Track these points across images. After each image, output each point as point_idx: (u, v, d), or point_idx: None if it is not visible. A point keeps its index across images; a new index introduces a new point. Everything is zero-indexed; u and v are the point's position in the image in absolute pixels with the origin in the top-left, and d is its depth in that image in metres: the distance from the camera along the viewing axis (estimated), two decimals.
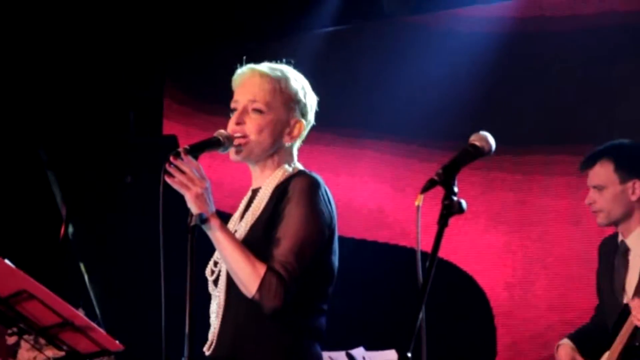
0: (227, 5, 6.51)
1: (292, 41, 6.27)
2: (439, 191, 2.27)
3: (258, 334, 2.72)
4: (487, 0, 5.82)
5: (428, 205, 2.27)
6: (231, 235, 2.70)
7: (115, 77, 6.79)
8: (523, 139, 5.60)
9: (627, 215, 3.95)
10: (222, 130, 2.86)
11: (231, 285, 2.77)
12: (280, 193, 2.78)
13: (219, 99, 6.48)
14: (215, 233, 2.66)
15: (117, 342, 3.78)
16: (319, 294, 2.78)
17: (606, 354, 3.86)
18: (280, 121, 2.85)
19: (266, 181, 2.85)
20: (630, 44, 5.36)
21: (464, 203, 2.23)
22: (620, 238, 4.01)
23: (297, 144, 2.92)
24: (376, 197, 6.01)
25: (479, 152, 2.33)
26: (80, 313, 3.82)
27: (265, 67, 2.91)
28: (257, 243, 2.74)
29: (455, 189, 2.23)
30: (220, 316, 2.79)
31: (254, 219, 2.80)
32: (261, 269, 2.64)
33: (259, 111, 2.84)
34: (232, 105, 2.90)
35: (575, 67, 5.52)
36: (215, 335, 2.80)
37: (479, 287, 5.76)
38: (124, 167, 6.22)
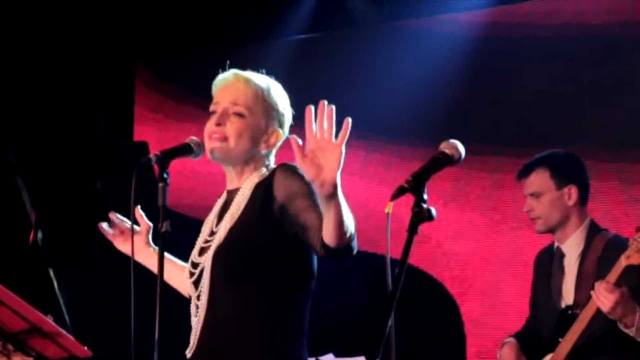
0: (200, 10, 6.52)
1: (266, 47, 6.28)
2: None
3: (245, 332, 2.72)
4: (457, 9, 5.87)
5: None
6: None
7: (85, 81, 6.76)
8: (498, 142, 5.65)
9: (564, 221, 4.04)
10: (193, 137, 2.88)
11: (215, 285, 2.76)
12: (263, 192, 2.79)
13: (190, 87, 6.58)
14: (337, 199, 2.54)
15: (85, 348, 3.77)
16: (302, 290, 2.79)
17: (548, 358, 3.90)
18: (259, 128, 2.86)
19: (245, 182, 2.86)
20: (605, 55, 5.43)
21: (433, 210, 2.25)
22: (556, 245, 4.10)
23: (274, 152, 2.94)
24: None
25: (448, 160, 2.35)
26: (49, 319, 3.81)
27: (249, 74, 2.93)
28: (237, 244, 2.76)
29: (425, 197, 2.25)
30: (202, 317, 2.78)
31: (234, 220, 2.81)
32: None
33: (239, 115, 2.85)
34: (212, 107, 2.90)
35: (551, 73, 5.57)
36: (197, 336, 2.79)
37: (449, 294, 5.79)
38: (94, 172, 6.19)
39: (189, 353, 2.83)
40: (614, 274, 3.64)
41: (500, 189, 5.67)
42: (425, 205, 2.24)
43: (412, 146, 5.85)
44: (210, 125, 2.86)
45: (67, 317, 5.97)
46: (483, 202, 5.73)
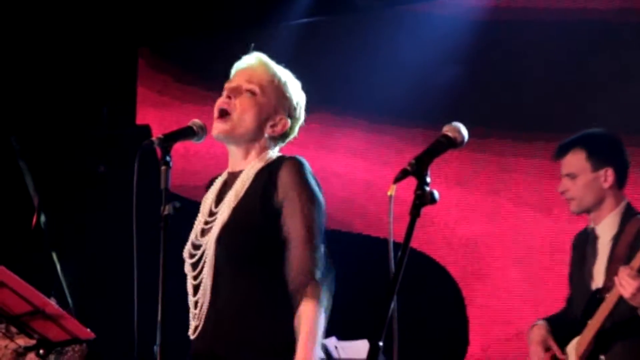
0: None
1: (269, 31, 6.27)
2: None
3: (250, 315, 2.72)
4: None
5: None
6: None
7: (88, 66, 6.75)
8: (501, 125, 5.66)
9: (598, 203, 3.98)
10: (196, 120, 2.86)
11: (218, 267, 2.76)
12: (266, 178, 2.78)
13: (192, 71, 6.58)
14: None
15: (88, 330, 3.78)
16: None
17: (575, 340, 3.90)
18: (267, 109, 2.85)
19: (249, 164, 2.84)
20: (606, 40, 5.42)
21: (436, 193, 2.24)
22: (591, 226, 4.05)
23: (280, 144, 2.92)
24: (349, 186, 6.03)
25: (451, 143, 2.35)
26: (52, 302, 3.82)
27: (271, 61, 2.93)
28: (241, 227, 2.75)
29: (428, 179, 2.25)
30: (207, 300, 2.78)
31: (237, 200, 2.79)
32: (314, 306, 2.67)
33: (251, 92, 2.84)
34: (226, 85, 2.89)
35: (554, 57, 5.56)
36: (202, 319, 2.79)
37: (451, 277, 5.80)
38: (97, 156, 6.20)
39: (192, 335, 2.82)
40: (637, 260, 3.62)
41: (504, 172, 5.67)
42: (428, 188, 2.24)
43: (415, 129, 5.85)
44: (220, 99, 2.86)
45: (69, 300, 5.98)
46: (487, 185, 5.73)
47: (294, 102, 2.90)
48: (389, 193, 2.24)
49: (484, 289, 5.71)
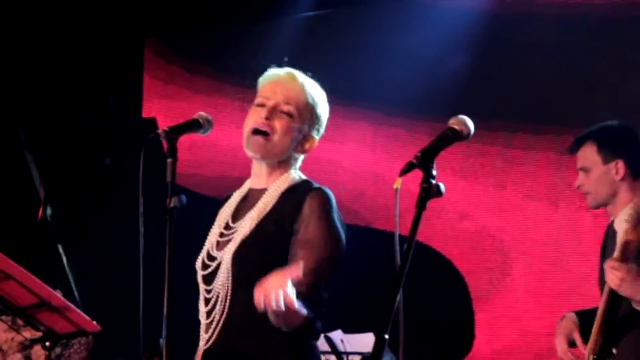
0: None
1: (275, 24, 6.27)
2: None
3: (263, 332, 2.70)
4: None
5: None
6: None
7: (94, 58, 6.75)
8: (508, 117, 5.65)
9: (612, 196, 3.95)
10: (202, 113, 2.86)
11: (234, 281, 2.74)
12: (291, 203, 2.76)
13: (198, 64, 6.58)
14: None
15: (94, 322, 3.78)
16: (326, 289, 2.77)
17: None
18: (302, 132, 2.85)
19: (274, 184, 2.82)
20: (608, 34, 5.41)
21: (442, 186, 2.24)
22: (610, 219, 4.04)
23: (303, 156, 2.91)
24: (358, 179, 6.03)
25: (457, 136, 2.34)
26: (58, 294, 3.82)
27: (303, 77, 2.91)
28: (261, 243, 2.73)
29: (434, 172, 2.24)
30: (220, 313, 2.76)
31: (259, 218, 2.77)
32: (304, 313, 2.60)
33: (289, 114, 2.82)
34: (260, 100, 2.85)
35: (561, 50, 5.56)
36: (215, 331, 2.77)
37: (457, 270, 5.79)
38: (102, 149, 6.20)
39: (204, 345, 2.82)
40: (618, 252, 3.61)
41: (511, 165, 5.66)
42: (434, 181, 2.23)
43: (423, 121, 5.84)
44: (258, 117, 2.82)
45: (75, 292, 5.99)
46: (493, 178, 5.73)
47: (323, 121, 2.91)
48: (395, 186, 2.23)
49: (489, 282, 5.70)
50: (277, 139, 2.81)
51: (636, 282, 3.60)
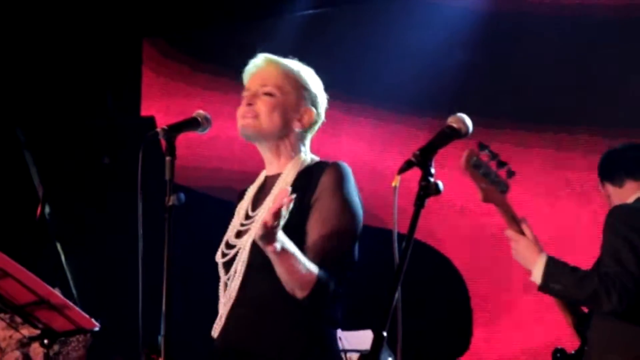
0: None
1: (275, 22, 6.28)
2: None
3: (278, 318, 2.71)
4: None
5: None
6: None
7: (93, 57, 6.75)
8: (504, 116, 5.66)
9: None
10: (200, 111, 2.86)
11: (251, 269, 2.75)
12: (306, 182, 2.77)
13: (197, 63, 6.57)
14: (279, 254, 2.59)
15: (92, 320, 3.78)
16: (341, 282, 2.76)
17: None
18: (290, 105, 2.85)
19: (286, 169, 2.84)
20: (608, 33, 5.43)
21: (440, 184, 2.24)
22: None
23: (309, 134, 2.92)
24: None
25: (456, 134, 2.35)
26: (57, 292, 3.82)
27: (278, 58, 2.93)
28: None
29: (432, 170, 2.25)
30: (232, 300, 2.78)
31: None
32: (314, 271, 2.62)
33: (269, 94, 2.85)
34: (243, 94, 2.90)
35: (561, 49, 5.58)
36: (225, 318, 2.79)
37: (455, 268, 5.80)
38: (101, 147, 6.20)
39: (215, 333, 2.82)
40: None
41: (510, 163, 5.66)
42: (432, 179, 2.24)
43: (422, 118, 5.85)
44: (241, 107, 2.86)
45: (74, 290, 5.99)
46: None
47: (313, 90, 2.90)
48: (393, 184, 2.24)
49: (487, 280, 5.71)
50: (263, 118, 2.83)
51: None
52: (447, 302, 5.81)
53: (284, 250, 2.55)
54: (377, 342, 2.14)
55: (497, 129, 5.67)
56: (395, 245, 2.22)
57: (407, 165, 2.26)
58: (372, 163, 5.97)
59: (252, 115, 2.83)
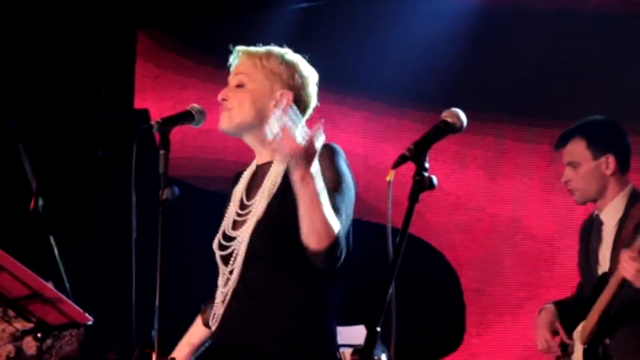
0: None
1: (270, 15, 6.27)
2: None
3: (277, 308, 2.72)
4: None
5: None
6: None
7: (87, 49, 6.73)
8: (500, 109, 5.66)
9: (602, 191, 3.97)
10: (195, 105, 2.87)
11: (250, 259, 2.75)
12: None
13: (192, 55, 6.56)
14: (310, 185, 2.56)
15: (86, 314, 3.78)
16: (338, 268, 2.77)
17: (581, 325, 3.90)
18: (261, 92, 2.85)
19: (277, 157, 2.83)
20: (602, 28, 5.43)
21: (434, 179, 2.24)
22: (595, 213, 4.05)
23: (301, 118, 2.90)
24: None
25: (450, 129, 2.35)
26: (50, 286, 3.82)
27: (251, 47, 2.93)
28: (277, 220, 2.74)
29: (427, 165, 2.25)
30: (230, 291, 2.78)
31: (270, 195, 2.79)
32: (335, 227, 2.60)
33: (239, 85, 2.87)
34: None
35: (553, 43, 5.58)
36: (223, 309, 2.79)
37: (448, 263, 5.80)
38: (95, 140, 6.18)
39: (213, 325, 2.82)
40: (637, 241, 3.61)
41: (503, 157, 5.67)
42: (426, 174, 2.24)
43: (415, 111, 5.85)
44: (220, 105, 2.88)
45: (67, 284, 5.98)
46: (485, 171, 5.73)
47: (288, 72, 2.88)
48: (387, 178, 2.24)
49: (480, 275, 5.71)
50: (235, 111, 2.84)
51: None
52: (440, 296, 5.81)
53: (314, 186, 2.52)
54: (371, 337, 2.14)
55: (491, 122, 5.67)
56: (390, 240, 2.21)
57: (401, 160, 2.26)
58: (365, 158, 5.97)
59: (226, 109, 2.84)
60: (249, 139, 2.90)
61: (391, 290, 2.17)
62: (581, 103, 5.37)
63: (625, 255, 3.60)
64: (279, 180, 2.80)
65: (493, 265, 5.65)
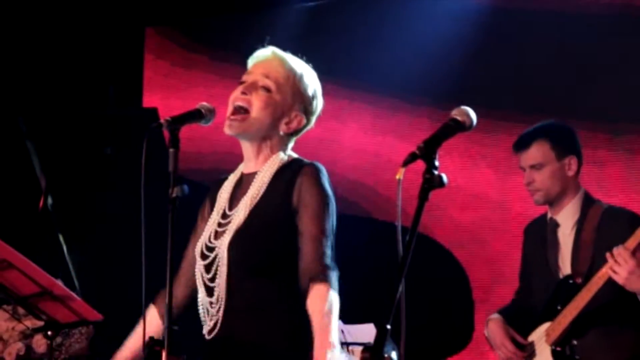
0: None
1: (278, 13, 6.26)
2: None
3: (265, 317, 2.73)
4: None
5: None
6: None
7: (95, 47, 6.74)
8: (509, 109, 5.66)
9: (562, 192, 4.03)
10: (204, 103, 2.86)
11: (232, 270, 2.76)
12: (284, 183, 2.79)
13: (200, 53, 6.56)
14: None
15: (96, 312, 3.79)
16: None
17: (545, 326, 3.91)
18: (283, 107, 2.85)
19: (264, 167, 2.84)
20: (609, 29, 5.44)
21: (444, 177, 2.24)
22: (549, 216, 4.08)
23: (293, 139, 2.92)
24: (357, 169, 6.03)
25: (460, 127, 2.34)
26: (59, 283, 3.83)
27: (287, 55, 2.92)
28: (256, 230, 2.75)
29: (437, 163, 2.24)
30: (222, 303, 2.78)
31: (254, 203, 2.79)
32: (328, 288, 2.69)
33: (267, 89, 2.84)
34: (243, 77, 2.90)
35: (558, 43, 5.58)
36: (218, 320, 2.79)
37: (457, 261, 5.80)
38: (103, 138, 6.19)
39: (208, 335, 2.83)
40: (632, 241, 3.62)
41: (512, 156, 5.66)
42: (436, 172, 2.23)
43: (429, 108, 5.84)
44: (236, 93, 2.86)
45: (76, 282, 5.99)
46: (495, 169, 5.73)
47: (310, 96, 2.90)
48: (397, 176, 2.23)
49: (489, 274, 5.71)
50: (254, 114, 2.83)
51: None
52: (449, 294, 5.81)
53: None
54: (382, 334, 2.14)
55: (500, 121, 5.66)
56: (399, 237, 2.21)
57: (411, 158, 2.25)
58: (374, 155, 5.96)
59: (245, 105, 2.83)
60: (246, 145, 2.89)
61: (401, 288, 2.17)
62: (594, 101, 5.37)
63: (620, 257, 3.60)
64: (263, 189, 2.80)
65: (502, 263, 5.65)
